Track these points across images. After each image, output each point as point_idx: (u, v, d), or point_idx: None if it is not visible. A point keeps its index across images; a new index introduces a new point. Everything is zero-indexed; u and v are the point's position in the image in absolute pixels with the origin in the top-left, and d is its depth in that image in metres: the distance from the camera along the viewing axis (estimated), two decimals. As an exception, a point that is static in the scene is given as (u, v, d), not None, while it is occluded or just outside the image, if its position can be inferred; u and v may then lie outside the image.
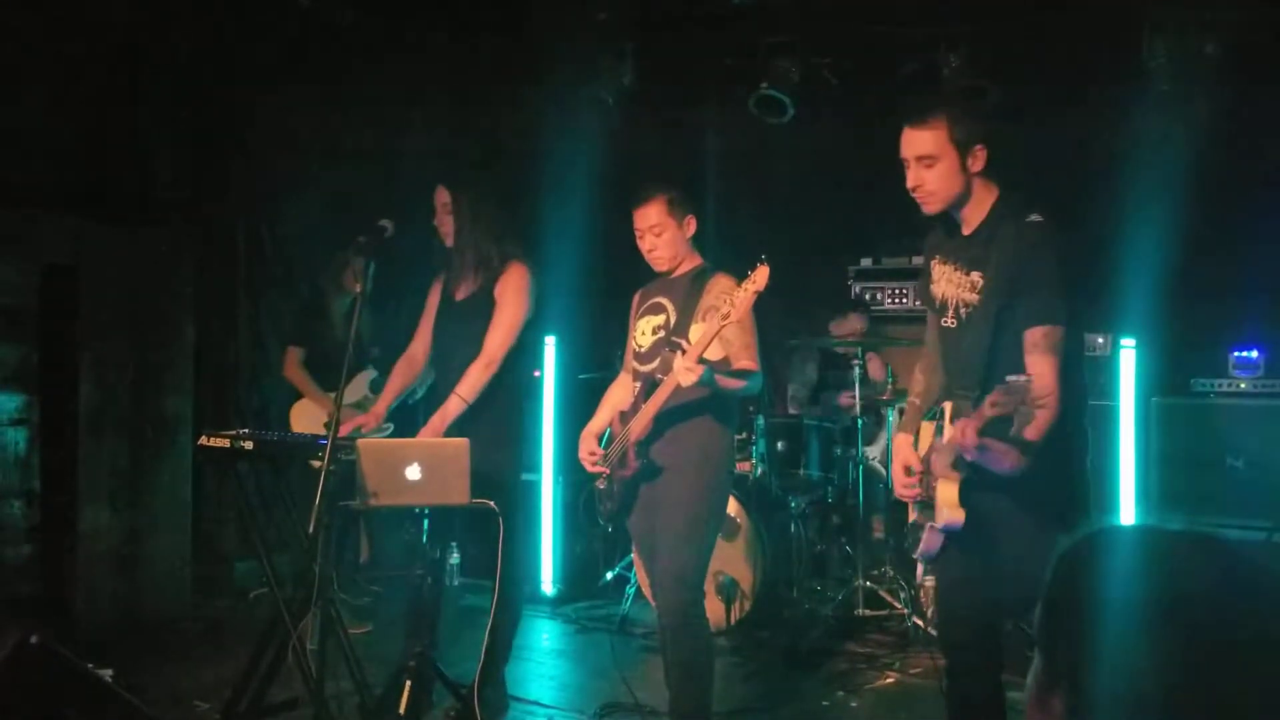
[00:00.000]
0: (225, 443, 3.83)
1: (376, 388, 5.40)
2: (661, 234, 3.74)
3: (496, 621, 3.76)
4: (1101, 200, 5.62)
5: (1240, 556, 1.09)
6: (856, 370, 5.45)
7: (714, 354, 3.63)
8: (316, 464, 3.45)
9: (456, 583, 5.57)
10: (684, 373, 3.43)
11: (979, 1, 5.66)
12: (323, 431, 5.01)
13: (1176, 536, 1.12)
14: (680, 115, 6.92)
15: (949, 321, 2.96)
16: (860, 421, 5.47)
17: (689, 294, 3.69)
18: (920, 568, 3.15)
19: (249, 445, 3.81)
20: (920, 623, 5.13)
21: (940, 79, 5.73)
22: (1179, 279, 5.40)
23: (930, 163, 2.86)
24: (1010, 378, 2.50)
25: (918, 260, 6.36)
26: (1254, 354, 5.28)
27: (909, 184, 2.92)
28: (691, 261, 3.83)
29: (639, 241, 3.81)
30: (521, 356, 4.12)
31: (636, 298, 3.96)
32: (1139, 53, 5.35)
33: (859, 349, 5.63)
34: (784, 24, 5.96)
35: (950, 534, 2.82)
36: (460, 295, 4.11)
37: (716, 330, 3.42)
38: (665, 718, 4.13)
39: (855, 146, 6.70)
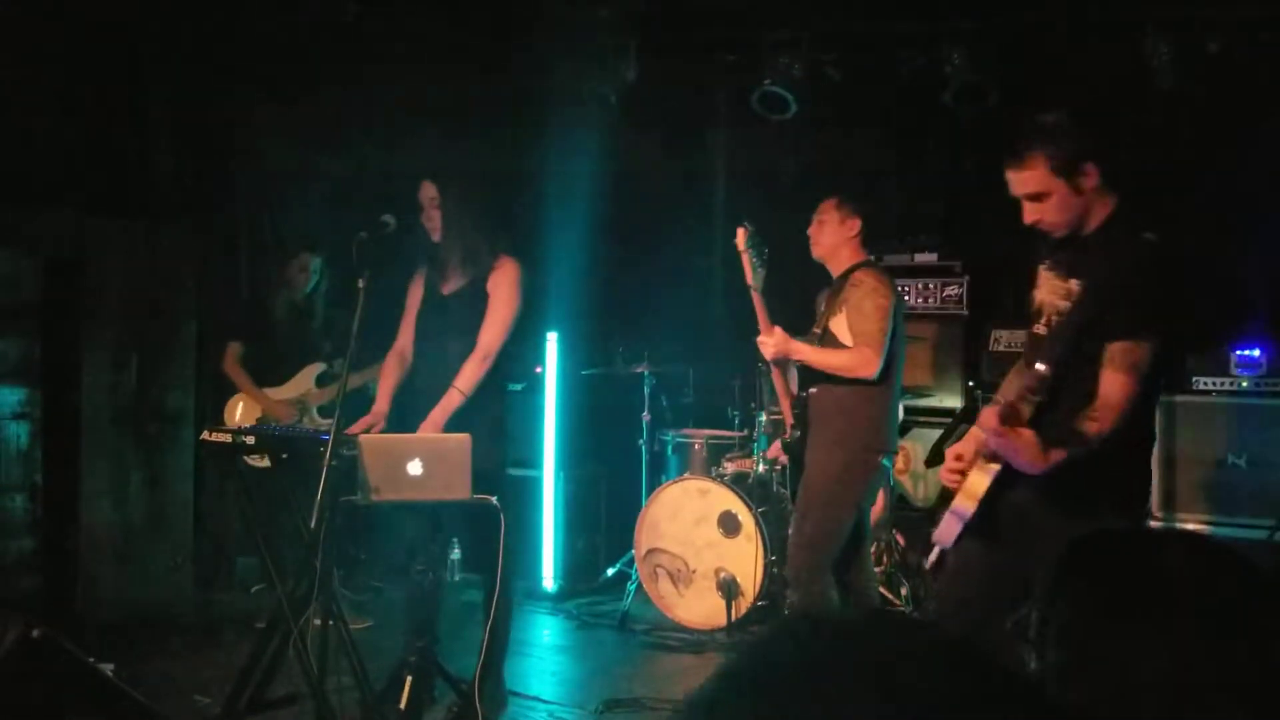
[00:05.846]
0: (227, 438, 3.83)
1: (322, 382, 5.39)
2: (823, 226, 4.21)
3: (495, 616, 3.76)
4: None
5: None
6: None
7: (845, 337, 4.03)
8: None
9: (457, 578, 5.57)
10: (761, 344, 4.10)
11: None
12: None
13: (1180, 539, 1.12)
14: (683, 112, 6.91)
15: (1040, 329, 2.89)
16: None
17: (835, 289, 4.14)
18: (933, 552, 3.10)
19: (251, 440, 3.82)
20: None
21: (943, 76, 5.73)
22: (1180, 276, 5.38)
23: (1040, 198, 2.76)
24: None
25: (920, 258, 6.44)
26: (1256, 352, 5.27)
27: (1026, 219, 2.82)
28: (851, 259, 4.20)
29: None
30: (511, 351, 4.12)
31: None
32: (1141, 50, 5.35)
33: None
34: (786, 20, 5.96)
35: (964, 523, 2.77)
36: (448, 289, 4.08)
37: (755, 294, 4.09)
38: (666, 712, 4.15)
39: (858, 143, 6.70)
